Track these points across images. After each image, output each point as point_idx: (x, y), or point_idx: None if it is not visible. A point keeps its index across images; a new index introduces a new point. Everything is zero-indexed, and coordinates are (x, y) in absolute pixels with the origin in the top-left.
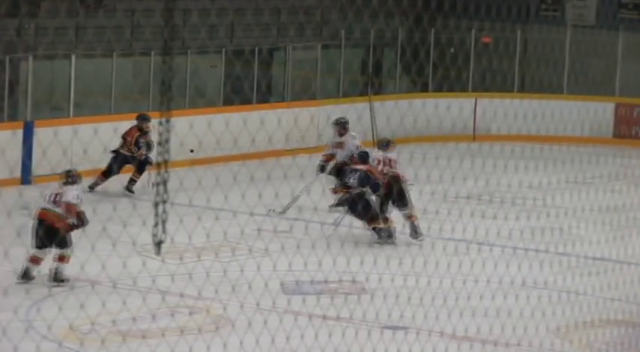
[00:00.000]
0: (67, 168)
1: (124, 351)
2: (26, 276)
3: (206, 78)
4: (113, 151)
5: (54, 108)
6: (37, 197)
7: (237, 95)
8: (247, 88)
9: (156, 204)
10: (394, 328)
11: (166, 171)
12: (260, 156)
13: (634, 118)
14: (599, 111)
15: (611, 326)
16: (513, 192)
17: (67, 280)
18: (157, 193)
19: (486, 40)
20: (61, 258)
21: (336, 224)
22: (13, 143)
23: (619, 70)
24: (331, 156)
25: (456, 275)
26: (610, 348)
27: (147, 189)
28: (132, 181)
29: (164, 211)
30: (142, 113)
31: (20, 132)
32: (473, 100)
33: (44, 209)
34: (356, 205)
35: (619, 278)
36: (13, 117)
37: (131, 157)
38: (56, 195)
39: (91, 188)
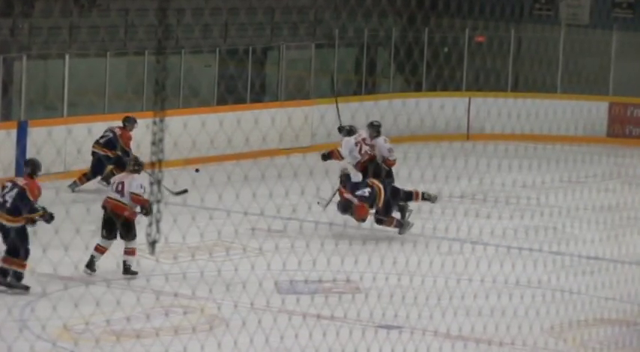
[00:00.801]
0: (135, 156)
1: (118, 351)
2: (90, 266)
3: (200, 77)
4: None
5: (48, 108)
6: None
7: (231, 94)
8: (241, 87)
9: (150, 204)
10: (388, 327)
11: (160, 171)
12: (254, 155)
13: (627, 117)
14: (593, 111)
15: (605, 325)
16: (507, 191)
17: (136, 273)
18: (152, 193)
19: (480, 39)
20: (130, 251)
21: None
22: (7, 143)
23: (613, 69)
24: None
25: (449, 275)
26: (604, 347)
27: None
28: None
29: (158, 211)
30: (129, 115)
31: (14, 132)
32: (466, 99)
33: (109, 198)
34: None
35: (613, 277)
36: (6, 116)
37: (117, 160)
38: (120, 183)
39: (71, 187)
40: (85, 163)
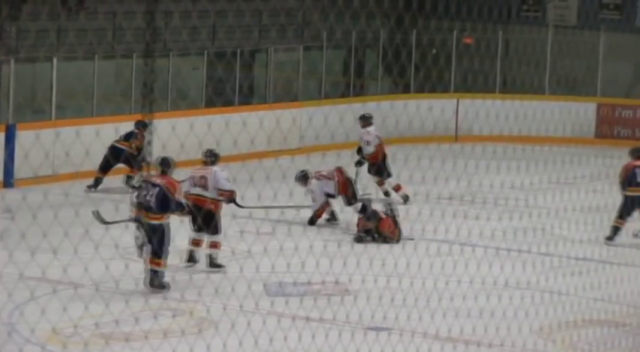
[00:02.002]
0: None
1: None
2: (192, 259)
3: (188, 80)
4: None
5: (36, 111)
6: (19, 200)
7: (219, 97)
8: (229, 89)
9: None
10: (377, 329)
11: (149, 173)
12: (242, 158)
13: (615, 118)
14: (581, 112)
15: (594, 326)
16: (495, 192)
17: (223, 266)
18: (139, 195)
19: (468, 40)
20: (214, 245)
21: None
22: None
23: (600, 70)
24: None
25: (438, 276)
26: (593, 348)
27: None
28: (130, 178)
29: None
30: (141, 120)
31: (2, 136)
32: (455, 101)
33: (198, 195)
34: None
35: (601, 278)
36: None
37: (131, 156)
38: (202, 177)
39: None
40: (74, 166)
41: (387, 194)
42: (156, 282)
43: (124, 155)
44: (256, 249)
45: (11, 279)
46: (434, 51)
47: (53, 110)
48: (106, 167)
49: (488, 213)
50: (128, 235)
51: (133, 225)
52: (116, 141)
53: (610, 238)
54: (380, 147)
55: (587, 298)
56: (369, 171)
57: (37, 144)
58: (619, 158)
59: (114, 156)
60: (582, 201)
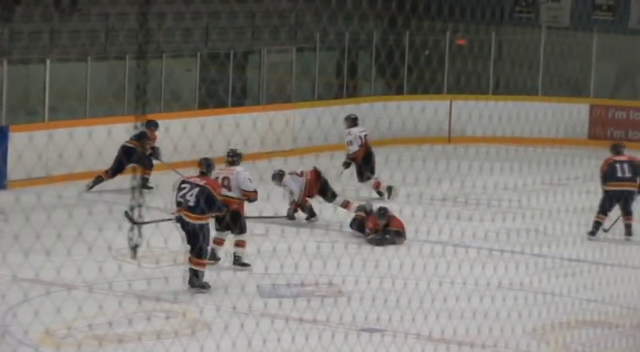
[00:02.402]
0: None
1: None
2: (213, 257)
3: (181, 81)
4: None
5: (29, 113)
6: (12, 202)
7: (212, 98)
8: (222, 91)
9: (131, 208)
10: (371, 330)
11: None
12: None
13: (609, 119)
14: (574, 113)
15: (588, 327)
16: (489, 193)
17: (249, 264)
18: (133, 197)
19: (461, 42)
20: (240, 243)
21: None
22: None
23: (593, 71)
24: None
25: (432, 278)
26: (586, 349)
27: (122, 192)
28: (146, 179)
29: (140, 215)
30: (152, 120)
31: None
32: (448, 102)
33: (224, 196)
34: None
35: (595, 279)
36: None
37: (143, 156)
38: (225, 178)
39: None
40: (68, 168)
41: (380, 194)
42: (197, 282)
43: (136, 155)
44: (249, 251)
45: (4, 281)
46: (427, 52)
47: (46, 112)
48: (117, 169)
49: (482, 214)
50: (121, 236)
51: (126, 227)
52: (127, 141)
53: (592, 233)
54: (362, 148)
55: (580, 299)
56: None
57: (30, 146)
58: None
59: (126, 155)
60: (575, 202)
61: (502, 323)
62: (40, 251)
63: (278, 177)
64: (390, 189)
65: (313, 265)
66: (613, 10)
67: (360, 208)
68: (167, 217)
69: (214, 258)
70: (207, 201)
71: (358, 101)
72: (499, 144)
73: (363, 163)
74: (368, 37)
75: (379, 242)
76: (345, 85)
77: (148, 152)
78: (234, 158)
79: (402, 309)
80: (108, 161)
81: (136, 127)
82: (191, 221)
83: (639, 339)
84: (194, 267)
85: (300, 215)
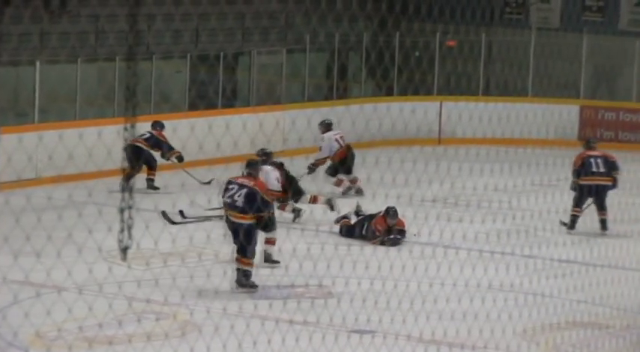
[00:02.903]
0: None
1: None
2: (269, 260)
3: (171, 83)
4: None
5: (19, 115)
6: (2, 203)
7: (202, 100)
8: (212, 92)
9: (121, 210)
10: (361, 332)
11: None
12: (225, 161)
13: (599, 120)
14: (564, 114)
15: (578, 328)
16: (479, 195)
17: (278, 262)
18: (123, 199)
19: (451, 43)
20: (270, 241)
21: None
22: None
23: (583, 72)
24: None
25: (422, 279)
26: (577, 350)
27: (113, 195)
28: (151, 180)
29: (130, 217)
30: (158, 120)
31: None
32: (438, 104)
33: None
34: None
35: (585, 280)
36: None
37: (150, 154)
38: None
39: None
40: (57, 170)
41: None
42: (245, 282)
43: (145, 155)
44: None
45: None
46: (417, 53)
47: (36, 113)
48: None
49: (472, 215)
50: (111, 238)
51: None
52: (135, 140)
53: (571, 227)
54: (342, 149)
55: (570, 300)
56: (326, 172)
57: (20, 148)
58: None
59: (135, 155)
60: (566, 203)
61: (492, 324)
62: (30, 253)
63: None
64: (329, 201)
65: (303, 266)
66: (603, 12)
67: (349, 214)
68: (209, 215)
69: (269, 260)
70: (255, 202)
71: (348, 102)
72: (489, 146)
73: (339, 163)
74: (358, 39)
75: (396, 242)
76: (335, 86)
77: (170, 156)
78: (263, 157)
79: (393, 311)
80: (98, 163)
81: (126, 129)
82: (238, 221)
83: (629, 340)
84: (243, 267)
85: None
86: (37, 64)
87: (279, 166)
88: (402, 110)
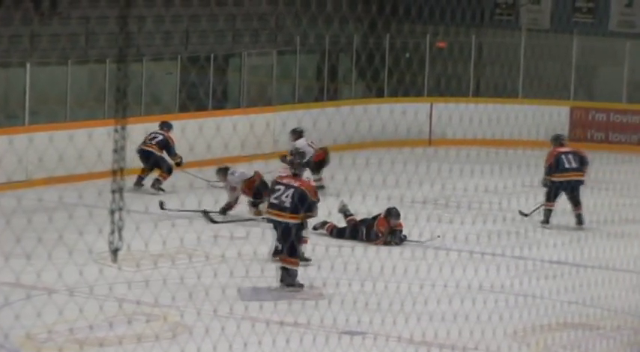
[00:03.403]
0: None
1: None
2: (302, 259)
3: (161, 85)
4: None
5: (9, 116)
6: None
7: (192, 102)
8: (203, 94)
9: (112, 212)
10: (352, 333)
11: (122, 179)
12: (216, 162)
13: (589, 121)
14: (555, 115)
15: (568, 329)
16: (469, 196)
17: (310, 260)
18: (113, 200)
19: (441, 44)
20: (302, 240)
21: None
22: None
23: (573, 73)
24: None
25: (413, 280)
26: (567, 351)
27: (103, 196)
28: (159, 181)
29: (120, 219)
30: (166, 121)
31: None
32: (428, 105)
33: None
34: None
35: (576, 281)
36: None
37: (161, 158)
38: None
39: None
40: (48, 172)
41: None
42: (290, 281)
43: (154, 158)
44: (230, 254)
45: None
46: (407, 55)
47: (27, 115)
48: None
49: (462, 216)
50: (102, 240)
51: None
52: (143, 143)
53: (546, 222)
54: (320, 151)
55: (561, 301)
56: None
57: (11, 150)
58: (592, 161)
59: (143, 159)
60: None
61: (483, 325)
62: (20, 254)
63: (221, 172)
64: (343, 207)
65: None
66: (593, 13)
67: (342, 210)
68: (249, 217)
69: (302, 258)
70: (301, 202)
71: (339, 104)
72: (479, 147)
73: (316, 165)
74: (348, 40)
75: (402, 240)
76: (325, 87)
77: (178, 160)
78: (297, 159)
79: (383, 312)
80: (88, 165)
81: (116, 131)
82: (284, 220)
83: (620, 341)
84: (287, 266)
85: None
86: (28, 65)
87: (257, 174)
88: (393, 111)
